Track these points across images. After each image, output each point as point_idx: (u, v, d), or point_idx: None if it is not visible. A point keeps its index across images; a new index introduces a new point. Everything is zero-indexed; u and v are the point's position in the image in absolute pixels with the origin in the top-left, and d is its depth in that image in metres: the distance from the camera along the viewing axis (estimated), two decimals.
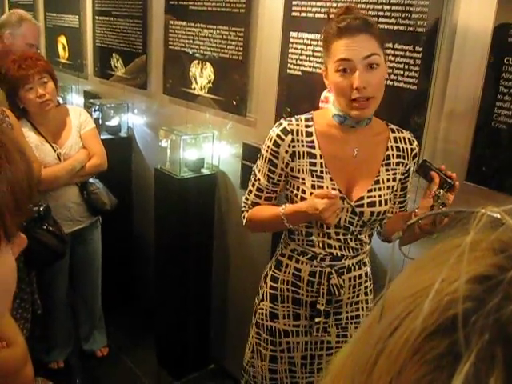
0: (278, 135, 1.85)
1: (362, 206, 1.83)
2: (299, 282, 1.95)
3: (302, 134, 1.83)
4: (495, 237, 0.35)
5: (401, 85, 2.13)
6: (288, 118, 1.89)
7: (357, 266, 1.94)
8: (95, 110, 3.71)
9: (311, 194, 1.78)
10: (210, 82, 3.05)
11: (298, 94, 2.55)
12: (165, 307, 3.34)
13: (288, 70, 2.58)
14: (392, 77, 2.16)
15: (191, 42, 3.14)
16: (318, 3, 2.39)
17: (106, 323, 3.53)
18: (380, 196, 1.84)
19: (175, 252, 3.14)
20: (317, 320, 1.93)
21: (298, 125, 1.85)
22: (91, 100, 3.89)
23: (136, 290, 4.00)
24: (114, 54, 3.87)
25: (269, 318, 2.04)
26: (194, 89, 3.15)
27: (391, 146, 1.87)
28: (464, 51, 1.96)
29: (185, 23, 3.16)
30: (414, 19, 2.06)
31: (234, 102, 2.91)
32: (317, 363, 2.03)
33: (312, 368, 2.04)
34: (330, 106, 1.88)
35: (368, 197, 1.83)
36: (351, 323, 1.99)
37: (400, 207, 2.00)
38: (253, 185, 1.97)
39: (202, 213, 3.13)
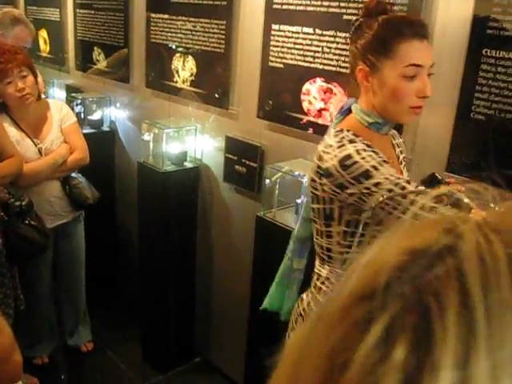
0: (366, 146, 1.57)
1: None
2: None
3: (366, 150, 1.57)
4: (447, 215, 0.36)
5: None
6: (339, 143, 1.57)
7: None
8: (77, 104, 3.69)
9: None
10: (192, 75, 3.04)
11: (280, 86, 2.56)
12: (149, 301, 3.34)
13: (270, 63, 2.58)
14: None
15: (173, 35, 3.13)
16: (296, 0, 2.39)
17: (91, 317, 3.52)
18: None
19: (159, 245, 3.14)
20: None
21: (357, 143, 1.58)
22: (73, 94, 3.86)
23: (120, 284, 4.00)
24: (95, 48, 3.84)
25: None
26: (177, 82, 3.14)
27: (396, 144, 1.81)
28: (444, 43, 1.97)
29: (166, 16, 3.15)
30: (394, 12, 2.07)
31: (217, 95, 2.91)
32: None
33: None
34: (358, 116, 1.67)
35: None
36: None
37: None
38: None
39: (185, 206, 3.13)
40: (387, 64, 1.55)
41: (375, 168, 1.50)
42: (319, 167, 1.59)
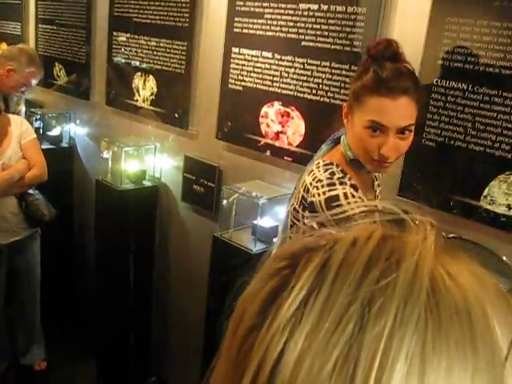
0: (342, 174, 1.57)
1: None
2: None
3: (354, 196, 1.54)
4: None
5: (337, 102, 2.19)
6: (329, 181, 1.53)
7: None
8: (36, 120, 3.66)
9: None
10: (152, 94, 3.05)
11: (239, 108, 2.59)
12: (104, 319, 3.30)
13: (230, 85, 2.61)
14: (329, 94, 2.22)
15: (135, 53, 3.14)
16: (260, 20, 2.43)
17: (44, 336, 3.46)
18: None
19: (116, 263, 3.12)
20: None
21: (338, 175, 1.57)
22: (32, 109, 3.82)
23: (75, 302, 3.94)
24: (56, 63, 3.82)
25: None
26: (137, 101, 3.15)
27: (377, 184, 1.82)
28: None
29: (128, 35, 3.16)
30: (350, 39, 2.13)
31: (176, 115, 2.93)
32: None
33: None
34: (343, 149, 1.63)
35: None
36: None
37: None
38: None
39: (143, 224, 3.13)
40: (358, 111, 1.51)
41: None
42: (304, 199, 1.56)
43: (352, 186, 1.49)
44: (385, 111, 1.45)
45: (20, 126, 2.99)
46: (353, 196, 1.46)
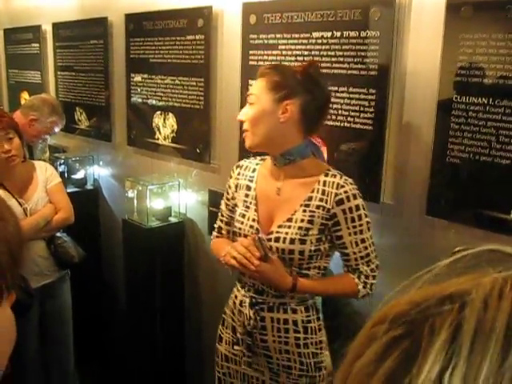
0: (232, 170, 2.10)
1: (270, 240, 1.88)
2: (234, 310, 2.05)
3: (248, 170, 2.04)
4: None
5: (357, 126, 2.20)
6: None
7: (281, 309, 1.94)
8: (60, 164, 3.72)
9: (236, 220, 2.00)
10: (173, 131, 3.09)
11: None
12: (139, 357, 3.29)
13: None
14: (349, 119, 2.23)
15: (153, 93, 3.19)
16: (274, 51, 2.47)
17: (80, 376, 3.45)
18: (287, 233, 1.85)
19: (146, 301, 3.12)
20: (236, 348, 2.04)
21: (250, 162, 2.07)
22: (56, 154, 3.89)
23: (108, 341, 3.94)
24: (77, 108, 3.90)
25: (218, 340, 2.16)
26: (158, 139, 3.19)
27: (317, 189, 1.86)
28: (415, 91, 2.04)
29: (146, 75, 3.22)
30: (365, 63, 2.15)
31: (198, 150, 2.96)
32: None
33: None
34: None
35: (276, 232, 1.88)
36: (283, 371, 1.98)
37: (344, 259, 1.92)
38: (220, 210, 2.19)
39: (171, 261, 3.14)
40: None
41: None
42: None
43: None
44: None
45: (45, 172, 3.04)
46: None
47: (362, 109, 2.19)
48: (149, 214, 3.04)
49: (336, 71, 2.25)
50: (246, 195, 2.00)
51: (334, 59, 2.25)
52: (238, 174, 2.06)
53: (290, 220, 1.87)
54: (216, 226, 2.21)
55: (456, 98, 1.90)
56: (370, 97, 2.15)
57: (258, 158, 2.06)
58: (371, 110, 2.16)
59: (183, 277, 3.21)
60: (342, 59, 2.22)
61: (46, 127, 3.43)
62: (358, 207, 1.83)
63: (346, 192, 1.82)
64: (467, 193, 1.92)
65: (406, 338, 0.35)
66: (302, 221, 1.85)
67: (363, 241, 1.86)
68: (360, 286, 1.88)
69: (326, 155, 2.33)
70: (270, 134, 1.84)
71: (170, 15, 3.00)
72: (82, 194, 3.74)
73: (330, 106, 2.27)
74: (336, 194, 1.82)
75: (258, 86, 1.87)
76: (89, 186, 3.83)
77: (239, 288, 2.04)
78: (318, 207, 1.84)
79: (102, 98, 3.66)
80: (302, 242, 1.84)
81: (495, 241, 1.86)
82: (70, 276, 3.21)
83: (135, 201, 3.14)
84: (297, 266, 1.88)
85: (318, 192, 1.85)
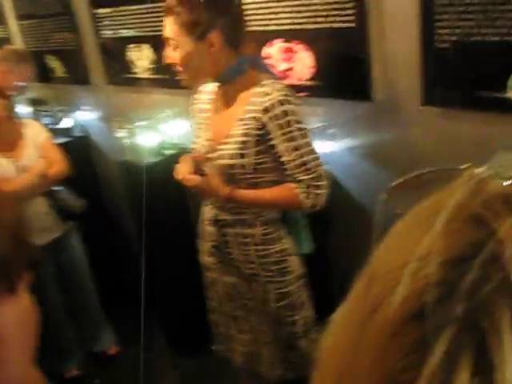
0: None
1: (214, 158, 1.92)
2: (205, 222, 2.14)
3: (205, 93, 2.06)
4: (477, 204, 0.34)
5: (339, 25, 2.13)
6: None
7: (239, 224, 2.01)
8: (45, 116, 3.65)
9: (193, 141, 2.08)
10: (151, 62, 3.00)
11: None
12: (162, 291, 3.35)
13: None
14: (329, 19, 2.15)
15: (122, 26, 3.07)
16: None
17: (111, 320, 3.54)
18: (227, 149, 1.88)
19: (159, 236, 3.13)
20: (206, 259, 2.19)
21: (209, 86, 2.06)
22: (38, 107, 3.80)
23: (132, 284, 4.00)
24: (48, 56, 3.77)
25: (200, 253, 2.26)
26: (137, 73, 3.10)
27: (252, 102, 1.83)
28: None
29: (111, 9, 3.09)
30: None
31: None
32: (236, 301, 2.19)
33: (234, 304, 2.20)
34: None
35: (218, 150, 1.91)
36: (252, 280, 2.08)
37: (283, 169, 1.86)
38: None
39: (175, 192, 3.12)
40: None
41: None
42: None
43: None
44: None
45: (32, 127, 3.01)
46: None
47: (340, 6, 2.11)
48: (144, 151, 2.99)
49: None
50: (200, 116, 2.05)
51: None
52: (195, 98, 2.10)
53: (227, 136, 1.89)
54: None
55: None
56: None
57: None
58: (351, 5, 2.08)
59: (190, 208, 3.20)
60: None
61: (18, 74, 3.36)
62: (285, 113, 1.78)
63: (270, 100, 1.78)
64: (460, 77, 1.87)
65: (467, 335, 0.30)
66: (238, 135, 1.86)
67: (296, 148, 1.81)
68: (302, 196, 1.84)
69: (312, 60, 2.27)
70: (204, 68, 1.88)
71: None
72: (73, 143, 3.67)
73: (308, 8, 2.20)
74: (261, 103, 1.80)
75: (172, 30, 1.82)
76: (77, 133, 3.76)
77: (206, 203, 2.12)
78: (250, 119, 1.84)
79: (71, 41, 3.53)
80: (241, 156, 1.86)
81: (494, 122, 1.84)
82: (76, 228, 3.22)
83: (126, 140, 3.09)
84: (242, 180, 1.90)
85: (252, 105, 1.84)
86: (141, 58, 3.04)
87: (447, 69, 1.90)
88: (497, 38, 1.74)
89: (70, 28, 3.48)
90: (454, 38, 1.84)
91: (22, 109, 4.14)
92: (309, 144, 1.83)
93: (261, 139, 1.83)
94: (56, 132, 3.62)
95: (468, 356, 0.28)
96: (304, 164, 1.82)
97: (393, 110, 2.12)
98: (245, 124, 1.84)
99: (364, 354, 0.34)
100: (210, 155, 1.93)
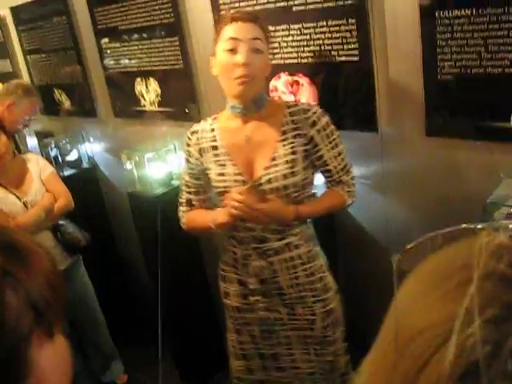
0: (187, 137, 2.09)
1: (261, 184, 1.92)
2: (237, 265, 2.10)
3: (206, 132, 2.04)
4: (503, 266, 0.37)
5: (343, 58, 2.17)
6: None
7: (287, 248, 2.02)
8: (52, 149, 3.69)
9: (217, 181, 2.00)
10: (157, 95, 3.05)
11: None
12: (172, 319, 3.35)
13: None
14: (333, 53, 2.20)
15: (129, 61, 3.13)
16: (242, 3, 2.41)
17: (121, 352, 3.54)
18: (277, 171, 1.91)
19: (167, 265, 3.15)
20: (251, 299, 2.11)
21: (203, 125, 2.07)
22: (45, 140, 3.84)
23: (140, 313, 4.01)
24: (55, 89, 3.83)
25: (224, 296, 2.22)
26: (144, 106, 3.15)
27: (286, 121, 1.93)
28: (396, 14, 2.00)
29: (118, 44, 3.15)
30: None
31: (187, 110, 2.93)
32: (275, 337, 2.17)
33: (272, 341, 2.18)
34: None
35: (266, 174, 1.92)
36: (296, 303, 2.08)
37: (328, 177, 2.03)
38: (182, 184, 2.19)
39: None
40: (218, 46, 1.88)
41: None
42: None
43: (211, 129, 2.03)
44: (236, 29, 1.84)
45: (37, 163, 3.04)
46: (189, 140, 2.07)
47: (344, 40, 2.16)
48: (151, 182, 3.03)
49: (311, 6, 2.20)
50: (216, 155, 2.01)
51: None
52: (197, 139, 2.05)
53: (273, 159, 1.92)
54: (183, 200, 2.21)
55: (439, 14, 1.86)
56: (350, 27, 2.11)
57: (208, 118, 2.09)
58: (354, 39, 2.12)
59: (199, 238, 3.23)
60: None
61: (24, 108, 3.38)
62: (328, 123, 1.94)
63: (314, 113, 1.92)
64: (464, 107, 1.91)
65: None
66: (286, 155, 1.91)
67: (340, 153, 1.98)
68: (346, 197, 2.01)
69: (315, 94, 2.32)
70: (262, 82, 1.94)
71: None
72: (80, 174, 3.72)
73: (312, 43, 2.25)
74: (307, 118, 1.91)
75: (258, 33, 1.86)
76: (85, 165, 3.80)
77: (236, 244, 2.07)
78: (294, 137, 1.92)
79: (77, 75, 3.58)
80: (293, 174, 1.91)
81: (498, 151, 1.87)
82: (82, 260, 3.24)
83: (135, 172, 3.12)
84: (293, 199, 1.95)
85: (288, 124, 1.93)
86: (148, 91, 3.09)
87: (451, 99, 1.94)
88: (499, 70, 1.78)
89: (77, 62, 3.54)
90: (456, 70, 1.88)
91: (30, 141, 4.21)
92: (343, 147, 1.99)
93: (307, 154, 1.93)
94: (63, 164, 3.67)
95: None
96: (345, 166, 2.00)
97: (398, 141, 2.16)
98: (290, 143, 1.91)
99: None
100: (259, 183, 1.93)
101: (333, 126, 1.95)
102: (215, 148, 2.01)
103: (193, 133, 2.08)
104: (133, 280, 3.95)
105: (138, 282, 3.83)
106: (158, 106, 3.08)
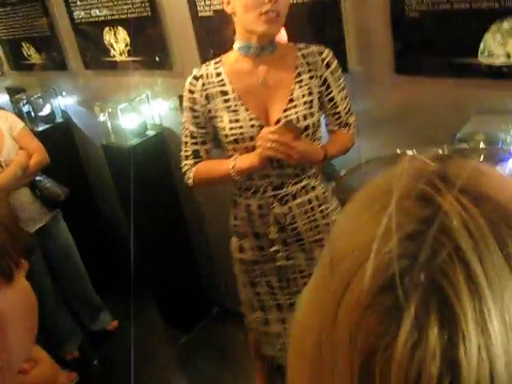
0: (190, 83, 1.98)
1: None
2: (252, 216, 2.07)
3: (211, 77, 1.96)
4: (421, 185, 0.40)
5: None
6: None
7: (304, 192, 2.02)
8: (24, 104, 3.63)
9: (230, 128, 1.92)
10: (127, 45, 3.00)
11: (217, 33, 2.54)
12: (154, 269, 3.40)
13: (199, 13, 2.56)
14: None
15: (96, 10, 3.06)
16: None
17: (107, 302, 3.60)
18: (297, 113, 1.90)
19: (147, 216, 3.17)
20: (273, 249, 2.09)
21: (207, 69, 1.98)
22: (16, 96, 3.78)
23: (121, 263, 4.04)
24: (23, 43, 3.75)
25: (238, 251, 2.20)
26: (114, 56, 3.10)
27: (301, 63, 1.92)
28: None
29: None
30: None
31: (157, 58, 2.89)
32: (294, 285, 2.17)
33: (290, 290, 2.18)
34: (234, 45, 1.95)
35: (285, 116, 1.90)
36: (316, 246, 2.09)
37: (336, 119, 2.03)
38: (185, 136, 2.07)
39: (160, 171, 3.16)
40: None
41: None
42: None
43: (216, 74, 1.94)
44: None
45: (6, 120, 2.99)
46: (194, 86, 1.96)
47: None
48: (126, 132, 3.01)
49: None
50: (226, 100, 1.93)
51: None
52: (203, 84, 1.96)
53: (291, 100, 1.91)
54: (189, 152, 2.07)
55: None
56: None
57: (211, 62, 2.00)
58: None
59: (176, 182, 3.23)
60: None
61: None
62: (338, 66, 1.97)
63: (327, 55, 1.94)
64: (433, 45, 1.92)
65: (432, 298, 0.35)
66: (303, 96, 1.91)
67: (346, 96, 2.00)
68: (352, 137, 2.05)
69: (284, 36, 2.30)
70: (283, 23, 1.87)
71: None
72: (55, 129, 3.68)
73: None
74: (322, 60, 1.92)
75: None
76: (58, 120, 3.76)
77: (249, 195, 2.04)
78: (310, 78, 1.92)
79: (45, 27, 3.50)
80: (311, 115, 1.92)
81: (467, 87, 1.89)
82: (61, 215, 3.25)
83: (109, 123, 3.10)
84: (312, 139, 1.97)
85: (302, 66, 1.92)
86: (117, 41, 3.04)
87: (419, 37, 1.94)
88: (467, 6, 1.78)
89: (44, 13, 3.45)
90: (424, 8, 1.87)
91: (1, 98, 4.14)
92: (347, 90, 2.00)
93: (321, 95, 1.95)
94: (37, 119, 3.62)
95: (435, 314, 0.34)
96: (350, 107, 2.02)
97: (368, 80, 2.16)
98: (306, 84, 1.91)
99: (342, 326, 0.38)
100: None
101: (340, 69, 1.97)
102: (225, 93, 1.93)
103: (197, 78, 1.97)
104: (112, 231, 3.97)
105: (118, 232, 3.85)
106: (128, 56, 3.03)
